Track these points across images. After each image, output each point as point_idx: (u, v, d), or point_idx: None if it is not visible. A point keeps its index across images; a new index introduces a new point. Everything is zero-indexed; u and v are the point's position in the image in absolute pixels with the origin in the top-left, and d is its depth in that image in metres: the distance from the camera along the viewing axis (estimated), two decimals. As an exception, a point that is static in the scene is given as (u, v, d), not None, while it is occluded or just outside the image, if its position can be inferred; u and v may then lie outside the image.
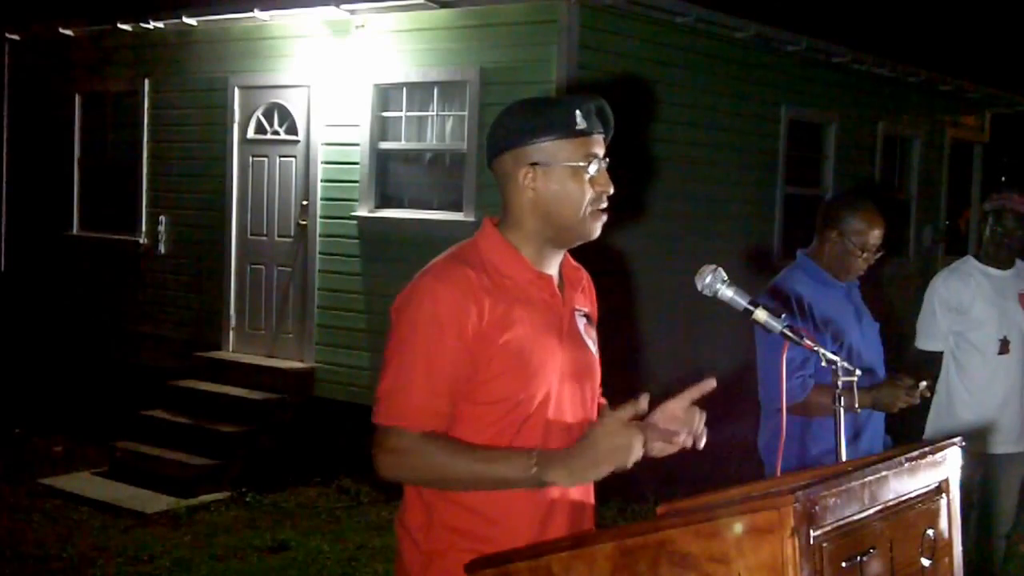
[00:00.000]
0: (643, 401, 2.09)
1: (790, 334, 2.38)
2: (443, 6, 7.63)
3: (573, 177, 2.19)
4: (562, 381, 2.20)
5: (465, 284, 2.13)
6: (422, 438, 2.09)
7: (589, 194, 2.20)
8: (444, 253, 2.24)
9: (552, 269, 2.28)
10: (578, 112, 2.19)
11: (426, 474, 2.11)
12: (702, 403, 2.19)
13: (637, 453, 2.06)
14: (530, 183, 2.20)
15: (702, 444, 2.18)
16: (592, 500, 2.32)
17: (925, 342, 4.83)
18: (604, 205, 2.23)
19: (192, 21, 8.86)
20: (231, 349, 8.86)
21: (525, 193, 2.21)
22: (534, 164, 2.19)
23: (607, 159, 2.24)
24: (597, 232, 2.24)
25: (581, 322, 2.30)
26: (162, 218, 9.40)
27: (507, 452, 2.10)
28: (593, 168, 2.19)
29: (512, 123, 2.22)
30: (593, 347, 2.33)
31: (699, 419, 2.18)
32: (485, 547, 2.10)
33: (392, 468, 2.11)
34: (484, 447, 2.11)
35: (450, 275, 2.15)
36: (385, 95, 8.10)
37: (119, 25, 9.34)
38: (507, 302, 2.16)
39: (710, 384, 2.16)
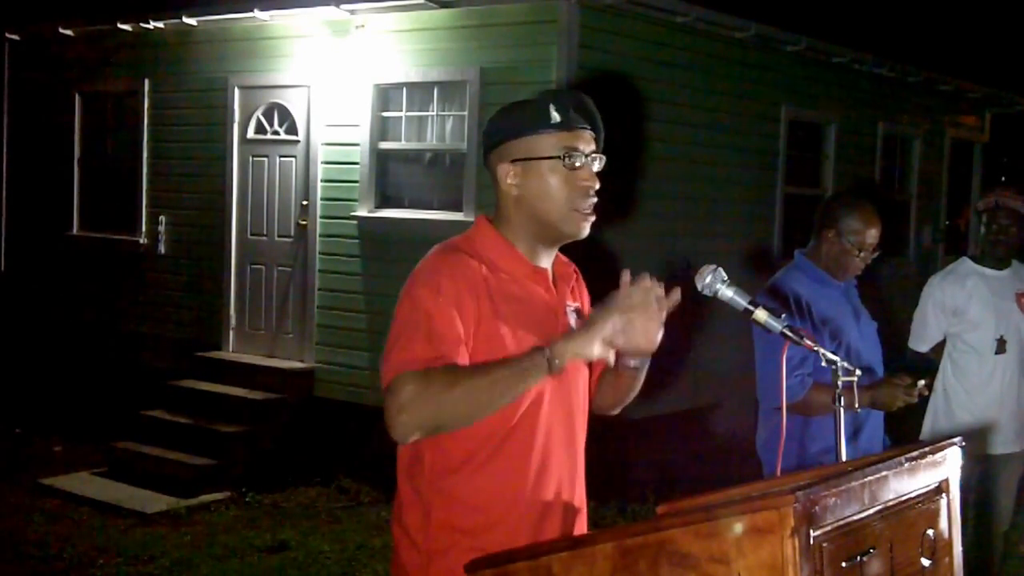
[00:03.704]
0: (625, 275, 2.11)
1: (790, 334, 2.39)
2: (443, 6, 7.63)
3: (552, 171, 2.20)
4: (557, 376, 2.20)
5: (467, 272, 2.15)
6: (425, 374, 2.01)
7: (571, 189, 2.20)
8: (440, 245, 2.25)
9: (546, 264, 2.29)
10: (552, 106, 2.21)
11: (438, 405, 2.01)
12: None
13: (646, 300, 2.07)
14: (512, 179, 2.22)
15: (678, 295, 2.14)
16: (584, 506, 2.33)
17: (917, 343, 4.86)
18: (589, 203, 2.22)
19: (192, 21, 8.86)
20: (231, 349, 8.86)
21: (510, 190, 2.24)
22: (514, 161, 2.21)
23: (599, 156, 2.24)
24: (584, 231, 2.24)
25: (572, 317, 2.31)
26: (162, 218, 9.40)
27: (512, 356, 2.08)
28: (576, 161, 2.19)
29: (494, 124, 2.27)
30: None
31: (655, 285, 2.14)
32: (484, 546, 2.10)
33: (404, 420, 2.00)
34: (488, 361, 2.08)
35: (452, 262, 2.17)
36: (385, 95, 8.10)
37: (119, 25, 9.34)
38: (503, 296, 2.18)
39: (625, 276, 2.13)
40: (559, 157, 2.19)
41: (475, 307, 2.12)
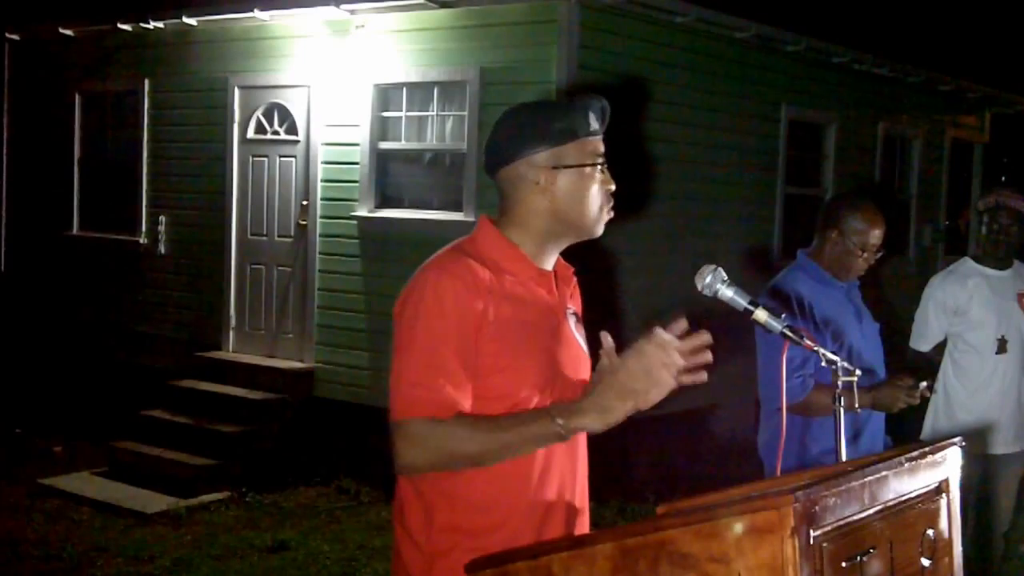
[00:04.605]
0: (679, 324, 1.95)
1: (790, 334, 2.38)
2: (443, 6, 7.63)
3: (588, 178, 2.22)
4: (559, 379, 2.21)
5: (470, 277, 2.13)
6: (435, 422, 2.05)
7: (602, 194, 2.23)
8: (444, 248, 2.24)
9: (549, 267, 2.29)
10: (591, 114, 2.22)
11: (448, 455, 2.06)
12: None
13: (669, 382, 1.95)
14: (549, 186, 2.20)
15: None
16: (586, 506, 2.33)
17: (918, 343, 4.86)
18: (611, 203, 2.26)
19: (192, 21, 8.86)
20: (231, 349, 8.86)
21: (542, 196, 2.21)
22: (554, 168, 2.20)
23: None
24: (602, 230, 2.27)
25: (571, 320, 2.32)
26: (162, 218, 9.40)
27: (523, 415, 2.08)
28: (605, 167, 2.23)
29: (529, 127, 2.22)
30: (584, 345, 2.34)
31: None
32: (487, 546, 2.09)
33: (412, 456, 2.06)
34: (499, 416, 2.09)
35: (455, 268, 2.15)
36: (385, 95, 8.10)
37: (119, 25, 9.34)
38: (509, 299, 2.17)
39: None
40: (598, 163, 2.22)
41: (479, 313, 2.12)
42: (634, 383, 1.96)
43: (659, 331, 1.96)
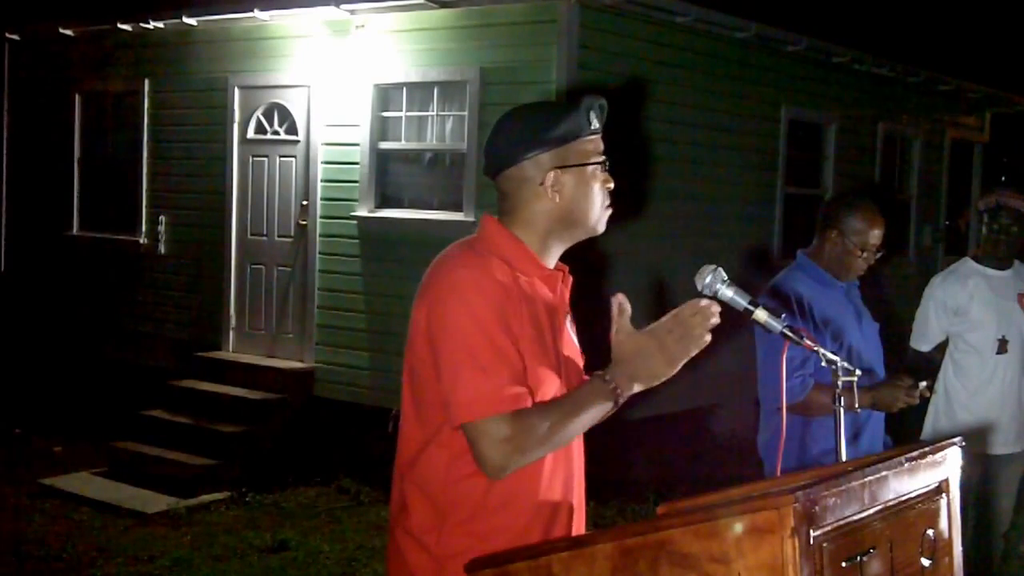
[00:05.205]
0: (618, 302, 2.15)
1: (790, 334, 2.38)
2: (443, 6, 7.63)
3: (592, 177, 2.22)
4: (562, 377, 2.22)
5: (500, 274, 2.13)
6: (512, 416, 2.05)
7: (603, 192, 2.24)
8: (456, 247, 2.22)
9: (552, 266, 2.29)
10: (592, 112, 2.22)
11: (537, 446, 2.07)
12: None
13: (706, 340, 2.09)
14: (556, 186, 2.20)
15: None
16: (583, 505, 2.34)
17: (919, 343, 4.86)
18: (609, 201, 2.26)
19: (192, 21, 8.87)
20: (231, 349, 8.86)
21: (548, 197, 2.21)
22: (561, 168, 2.20)
23: None
24: (603, 228, 2.28)
25: (567, 318, 2.32)
26: (162, 218, 9.40)
27: (579, 392, 2.13)
28: (603, 167, 2.23)
29: (532, 129, 2.21)
30: (577, 343, 2.35)
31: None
32: (497, 547, 2.09)
33: (501, 456, 2.04)
34: (561, 398, 2.14)
35: (484, 267, 2.14)
36: (385, 95, 8.10)
37: (119, 25, 9.35)
38: (523, 299, 2.17)
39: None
40: (600, 162, 2.23)
41: (509, 309, 2.12)
42: (680, 348, 2.10)
43: (695, 301, 2.11)
